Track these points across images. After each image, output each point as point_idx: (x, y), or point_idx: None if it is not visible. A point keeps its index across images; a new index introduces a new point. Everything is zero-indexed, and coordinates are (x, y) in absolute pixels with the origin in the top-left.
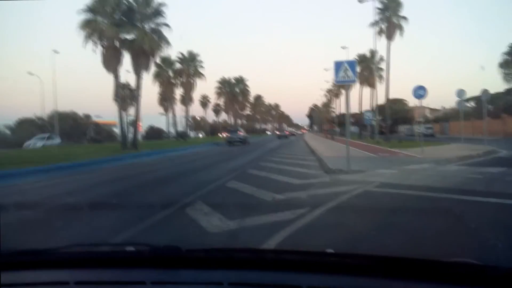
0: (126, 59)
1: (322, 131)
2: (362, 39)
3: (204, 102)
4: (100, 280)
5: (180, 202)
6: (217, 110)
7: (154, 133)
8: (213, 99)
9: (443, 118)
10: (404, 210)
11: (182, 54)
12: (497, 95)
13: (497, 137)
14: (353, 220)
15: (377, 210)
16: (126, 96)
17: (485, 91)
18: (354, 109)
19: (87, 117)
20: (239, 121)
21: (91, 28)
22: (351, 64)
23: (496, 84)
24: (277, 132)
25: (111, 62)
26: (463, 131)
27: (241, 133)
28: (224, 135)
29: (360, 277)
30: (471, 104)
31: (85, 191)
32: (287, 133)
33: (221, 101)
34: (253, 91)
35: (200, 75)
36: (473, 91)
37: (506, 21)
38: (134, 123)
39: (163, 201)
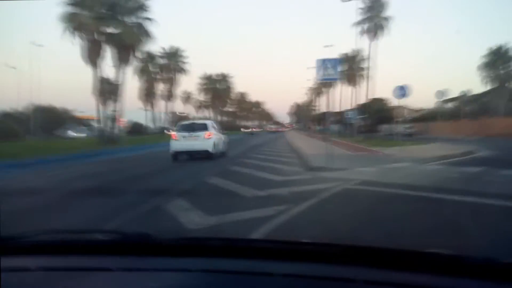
0: (107, 53)
1: (307, 129)
2: (346, 38)
3: (187, 98)
4: (65, 266)
5: (159, 198)
6: (199, 107)
7: (135, 129)
8: (196, 95)
9: (424, 118)
10: (383, 207)
11: (165, 49)
12: (476, 97)
13: (475, 137)
14: (334, 217)
15: (357, 207)
16: (106, 90)
17: (464, 93)
18: (336, 107)
19: (66, 111)
20: (221, 118)
21: (73, 21)
22: (334, 62)
23: (476, 86)
24: (269, 129)
25: (92, 56)
26: (443, 131)
27: (254, 129)
28: (243, 129)
29: (334, 265)
30: (451, 105)
31: (57, 187)
32: (275, 129)
33: (203, 98)
34: (237, 88)
35: (183, 70)
36: (453, 92)
37: (487, 25)
38: (114, 118)
39: (141, 197)
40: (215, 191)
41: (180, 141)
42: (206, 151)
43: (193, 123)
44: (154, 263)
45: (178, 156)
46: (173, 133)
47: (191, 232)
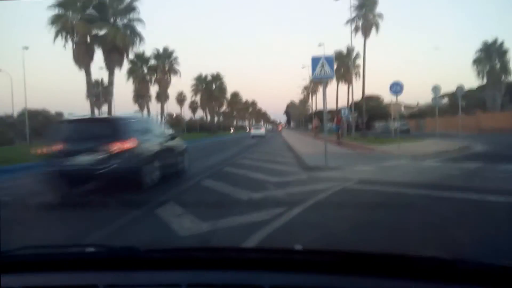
0: (99, 55)
1: (312, 129)
2: (339, 37)
3: (180, 99)
4: (49, 285)
5: (150, 203)
6: (193, 107)
7: None
8: (189, 96)
9: (418, 114)
10: (383, 207)
11: (157, 50)
12: (471, 92)
13: (471, 132)
14: (332, 219)
15: (356, 208)
16: (99, 93)
17: (460, 87)
18: (331, 105)
19: (60, 115)
20: (216, 118)
21: (61, 24)
22: (329, 59)
23: (470, 81)
24: (272, 127)
25: (82, 59)
26: (438, 127)
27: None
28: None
29: (326, 274)
30: (446, 100)
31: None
32: (273, 128)
33: (197, 98)
34: (230, 88)
35: (175, 71)
36: (447, 87)
37: (481, 19)
38: None
39: (130, 202)
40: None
41: (253, 132)
42: (262, 136)
43: (258, 124)
44: (141, 278)
45: (253, 137)
46: (251, 128)
47: (184, 239)
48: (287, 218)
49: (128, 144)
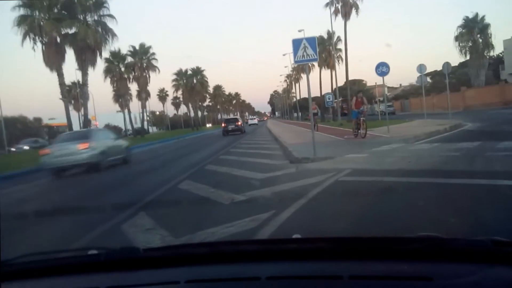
0: (71, 55)
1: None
2: (319, 22)
3: (162, 96)
4: None
5: (117, 216)
6: (176, 103)
7: None
8: (171, 92)
9: (402, 95)
10: (384, 202)
11: (133, 47)
12: (454, 69)
13: (458, 110)
14: (329, 221)
15: (353, 205)
16: (76, 95)
17: (446, 64)
18: (315, 92)
19: (38, 120)
20: (200, 113)
21: (28, 25)
22: (310, 41)
23: (452, 59)
24: (258, 119)
25: (53, 60)
26: (424, 106)
27: (256, 119)
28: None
29: (322, 261)
30: (428, 79)
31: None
32: (259, 119)
33: (179, 94)
34: (212, 81)
35: (154, 68)
36: (429, 66)
37: None
38: (86, 123)
39: (91, 215)
40: None
41: (250, 121)
42: (256, 124)
43: (252, 116)
44: (142, 277)
45: (250, 125)
46: (247, 119)
47: None
48: (276, 224)
49: (239, 123)
